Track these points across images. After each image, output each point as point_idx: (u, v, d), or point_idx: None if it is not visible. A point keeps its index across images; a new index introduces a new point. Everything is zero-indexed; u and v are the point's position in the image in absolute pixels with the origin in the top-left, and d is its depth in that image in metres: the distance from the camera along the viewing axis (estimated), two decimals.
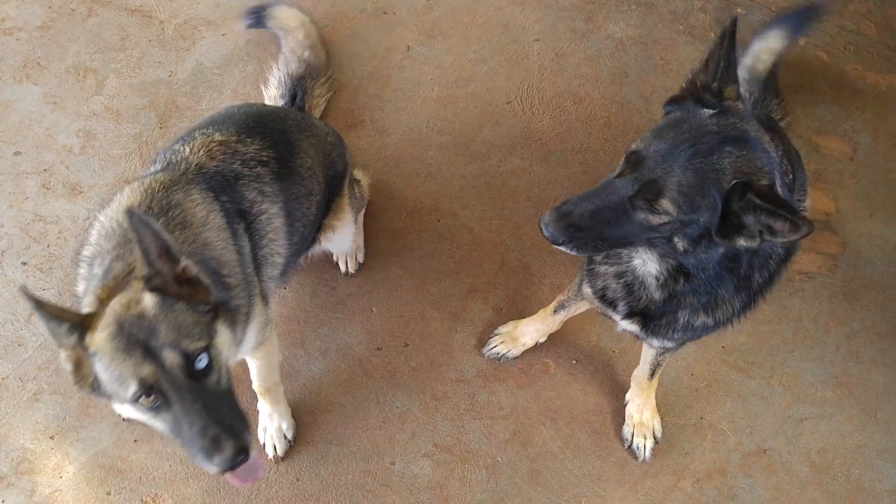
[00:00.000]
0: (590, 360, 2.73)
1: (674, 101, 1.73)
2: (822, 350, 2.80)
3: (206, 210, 1.89)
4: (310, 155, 2.26)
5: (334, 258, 2.76)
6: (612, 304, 2.05)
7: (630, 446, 2.57)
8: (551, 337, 2.68)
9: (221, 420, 1.57)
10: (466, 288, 2.81)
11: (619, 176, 1.67)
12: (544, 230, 1.68)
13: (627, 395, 2.61)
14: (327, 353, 2.65)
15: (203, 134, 2.08)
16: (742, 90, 2.96)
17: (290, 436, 2.47)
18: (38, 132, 2.94)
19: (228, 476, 1.68)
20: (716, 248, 1.67)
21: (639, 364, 2.51)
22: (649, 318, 1.98)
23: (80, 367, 1.58)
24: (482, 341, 2.71)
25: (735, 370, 2.74)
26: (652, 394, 2.56)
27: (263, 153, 2.10)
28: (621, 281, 1.98)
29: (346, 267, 2.76)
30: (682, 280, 1.80)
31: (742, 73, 2.96)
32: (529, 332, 2.64)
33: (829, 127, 3.23)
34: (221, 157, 2.02)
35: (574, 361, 2.72)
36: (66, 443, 2.45)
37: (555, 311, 2.53)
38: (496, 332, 2.70)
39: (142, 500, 2.40)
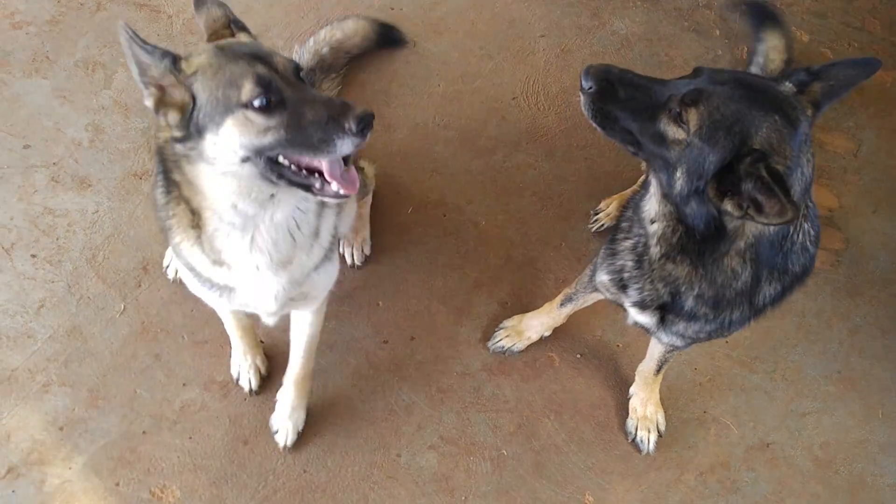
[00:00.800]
0: (594, 354, 2.74)
1: None
2: (825, 345, 2.82)
3: None
4: None
5: (340, 250, 2.78)
6: (624, 288, 2.05)
7: (634, 440, 2.59)
8: (556, 331, 2.70)
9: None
10: (472, 282, 2.83)
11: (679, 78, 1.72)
12: (583, 74, 1.71)
13: (632, 389, 2.62)
14: (334, 347, 2.67)
15: None
16: None
17: (300, 427, 2.49)
18: (47, 126, 2.96)
19: (336, 183, 1.58)
20: (706, 204, 1.65)
21: (644, 359, 2.53)
22: (657, 307, 1.99)
23: (167, 101, 1.53)
24: (487, 335, 2.73)
25: (738, 365, 2.76)
26: (656, 388, 2.58)
27: None
28: (634, 253, 1.98)
29: (353, 259, 2.78)
30: (677, 234, 1.78)
31: (756, 71, 2.97)
32: (534, 325, 2.66)
33: (833, 123, 3.24)
34: None
35: (579, 355, 2.74)
36: (75, 434, 2.46)
37: (561, 305, 2.54)
38: (501, 325, 2.72)
39: (150, 491, 2.41)
